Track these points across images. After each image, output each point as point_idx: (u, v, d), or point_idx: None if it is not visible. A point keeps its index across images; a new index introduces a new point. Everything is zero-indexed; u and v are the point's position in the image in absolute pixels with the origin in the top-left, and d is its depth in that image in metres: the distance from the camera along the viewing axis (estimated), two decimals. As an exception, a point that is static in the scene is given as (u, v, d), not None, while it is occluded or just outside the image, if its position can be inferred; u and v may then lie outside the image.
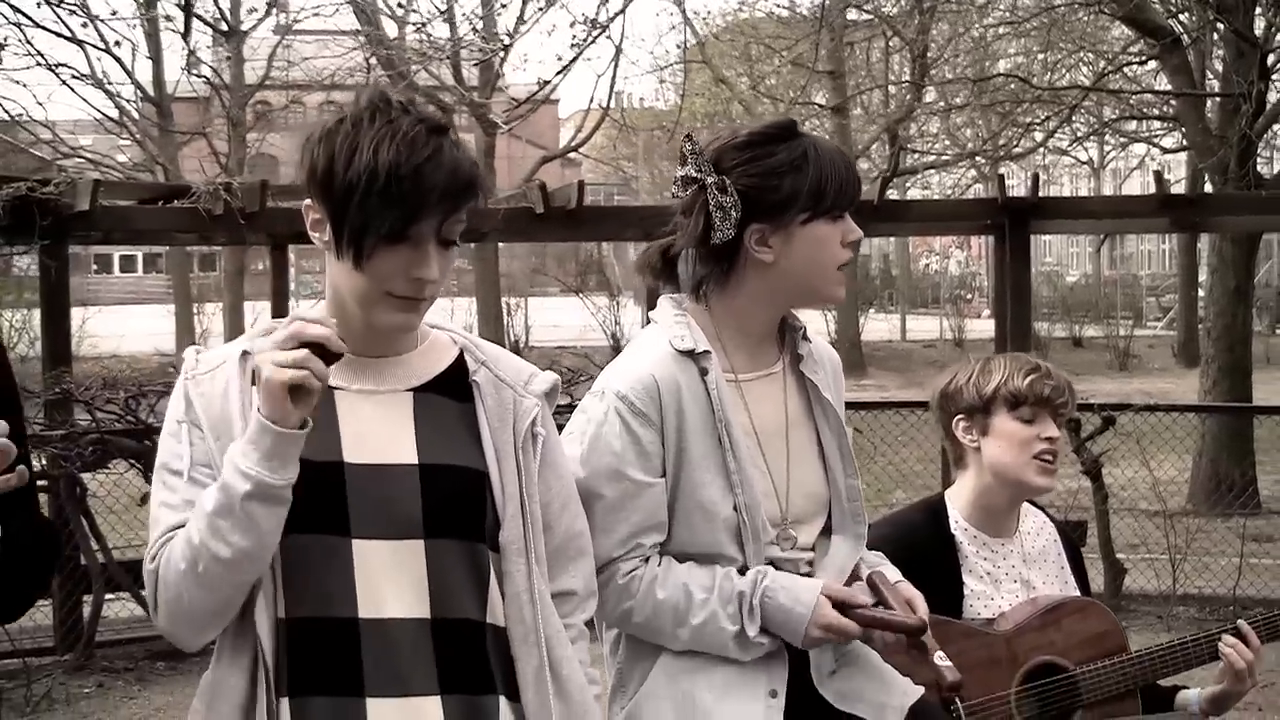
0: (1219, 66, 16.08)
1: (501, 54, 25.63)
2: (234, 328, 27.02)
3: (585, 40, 11.36)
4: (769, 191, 2.99)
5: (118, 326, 30.15)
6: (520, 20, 25.89)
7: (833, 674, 3.09)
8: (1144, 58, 16.96)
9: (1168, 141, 25.62)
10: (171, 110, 26.00)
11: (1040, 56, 21.74)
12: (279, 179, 29.99)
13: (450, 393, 2.65)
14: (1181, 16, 16.10)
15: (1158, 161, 26.51)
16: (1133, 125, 22.13)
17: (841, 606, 2.97)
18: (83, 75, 24.41)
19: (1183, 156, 26.65)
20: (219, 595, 2.44)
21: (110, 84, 25.06)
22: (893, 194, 22.63)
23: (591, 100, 24.75)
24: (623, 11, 13.91)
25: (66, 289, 9.99)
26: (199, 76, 24.59)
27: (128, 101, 25.15)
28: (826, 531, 3.16)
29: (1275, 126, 15.62)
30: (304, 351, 2.35)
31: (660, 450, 2.98)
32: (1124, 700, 3.78)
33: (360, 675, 2.48)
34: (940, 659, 2.97)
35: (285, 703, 2.47)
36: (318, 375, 2.35)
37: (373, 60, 25.48)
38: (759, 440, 3.08)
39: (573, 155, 30.57)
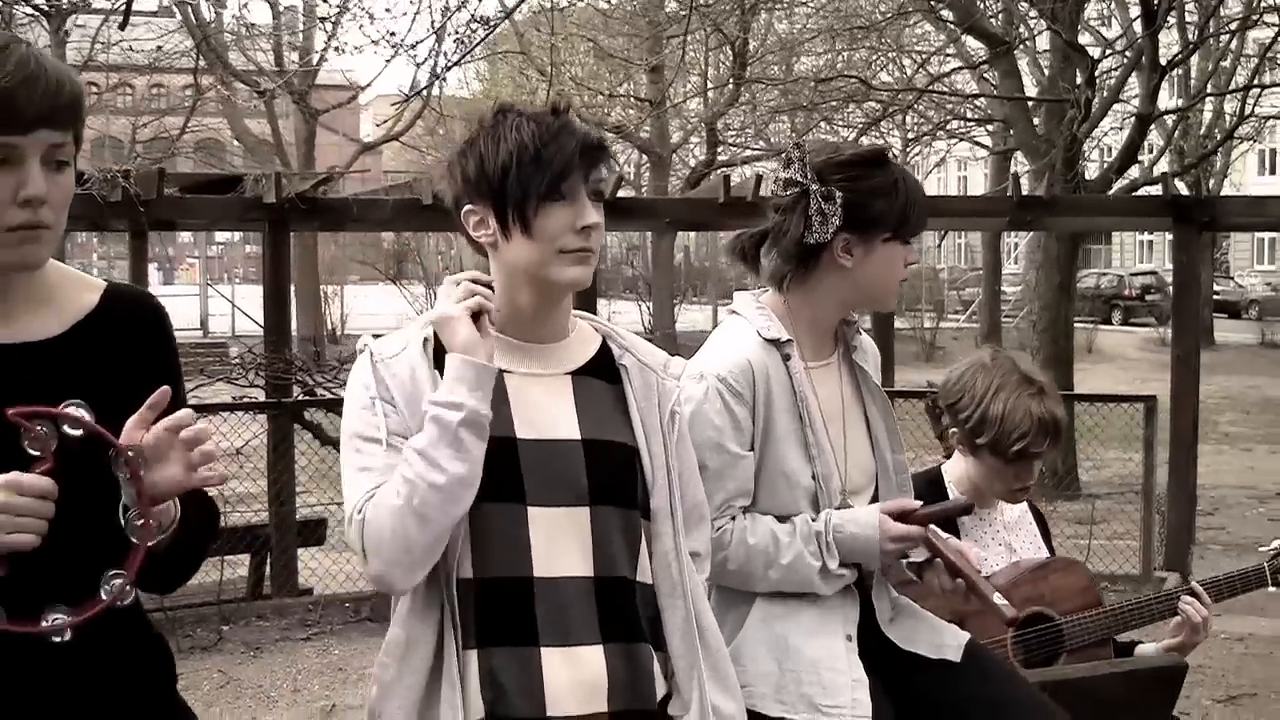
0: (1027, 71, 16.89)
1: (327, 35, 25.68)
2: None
3: (472, 36, 11.59)
4: (862, 208, 3.44)
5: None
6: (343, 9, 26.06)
7: (891, 621, 3.56)
8: (976, 62, 17.71)
9: (986, 142, 26.58)
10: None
11: (849, 55, 22.40)
12: (103, 163, 29.74)
13: (602, 375, 2.98)
14: (1005, 23, 16.86)
15: (963, 162, 27.47)
16: (952, 125, 22.92)
17: (901, 516, 3.43)
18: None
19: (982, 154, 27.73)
20: (434, 528, 2.69)
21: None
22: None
23: (398, 88, 24.84)
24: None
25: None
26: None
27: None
28: (874, 501, 3.59)
29: (1094, 131, 16.42)
30: (468, 284, 2.79)
31: (751, 426, 3.40)
32: (1100, 648, 4.28)
33: (535, 627, 2.78)
34: (998, 598, 3.47)
35: (472, 654, 2.78)
36: (487, 297, 2.78)
37: (188, 43, 25.50)
38: (824, 419, 3.52)
39: (367, 140, 30.64)
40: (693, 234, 38.73)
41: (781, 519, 3.43)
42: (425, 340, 2.87)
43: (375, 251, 39.38)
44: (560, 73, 28.61)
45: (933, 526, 3.59)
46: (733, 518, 3.40)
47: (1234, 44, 21.11)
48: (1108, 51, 16.49)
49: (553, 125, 2.85)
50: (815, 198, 3.44)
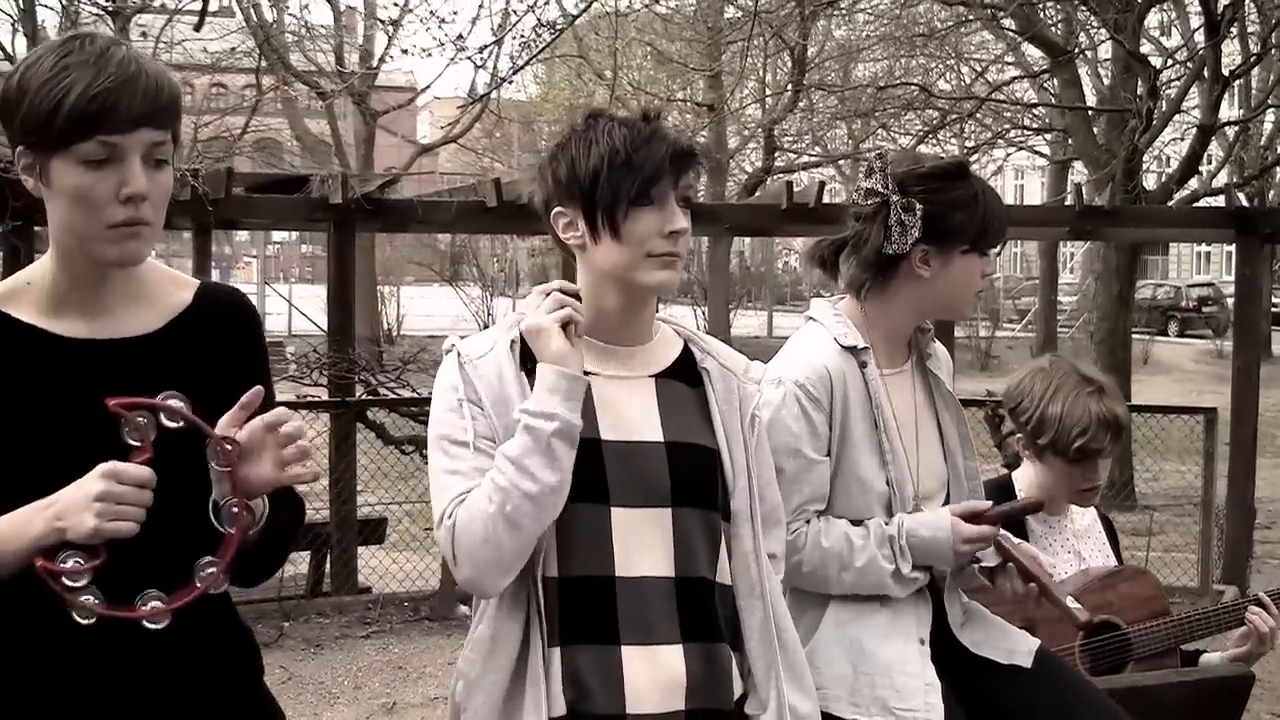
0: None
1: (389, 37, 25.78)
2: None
3: (538, 39, 11.65)
4: (942, 220, 3.51)
5: None
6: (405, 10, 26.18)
7: (963, 625, 3.62)
8: (1037, 71, 17.68)
9: (1044, 151, 26.51)
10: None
11: (907, 63, 22.35)
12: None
13: (684, 378, 3.03)
14: (1064, 32, 16.82)
15: (1020, 171, 27.41)
16: (1011, 134, 22.86)
17: (972, 518, 3.49)
18: (-45, 51, 24.34)
19: (1042, 164, 27.63)
20: (524, 534, 2.76)
21: (-14, 59, 24.97)
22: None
23: (456, 89, 24.98)
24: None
25: (31, 270, 10.12)
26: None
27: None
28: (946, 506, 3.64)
29: (1156, 141, 16.37)
30: (558, 295, 2.82)
31: (828, 432, 3.46)
32: (1166, 657, 4.33)
33: (616, 626, 2.84)
34: (1071, 601, 3.55)
35: (555, 651, 2.84)
36: (576, 309, 2.81)
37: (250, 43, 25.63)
38: (898, 426, 3.57)
39: (426, 142, 30.70)
40: (748, 239, 38.75)
41: (855, 522, 3.48)
42: (513, 342, 2.92)
43: (430, 253, 39.54)
44: (619, 77, 28.73)
45: (1004, 533, 3.63)
46: (807, 521, 3.45)
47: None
48: (1169, 62, 16.42)
49: (644, 131, 2.91)
50: (895, 208, 3.50)
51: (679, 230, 2.91)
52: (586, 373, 2.86)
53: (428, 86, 32.48)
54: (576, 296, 2.87)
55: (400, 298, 32.89)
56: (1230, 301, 41.38)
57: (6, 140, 2.55)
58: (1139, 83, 14.68)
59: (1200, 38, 14.45)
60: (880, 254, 3.53)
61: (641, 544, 2.87)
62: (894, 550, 3.44)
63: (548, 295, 2.85)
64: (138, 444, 2.41)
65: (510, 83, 18.08)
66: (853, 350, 3.52)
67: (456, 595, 10.33)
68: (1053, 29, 16.68)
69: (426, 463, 3.01)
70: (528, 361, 2.88)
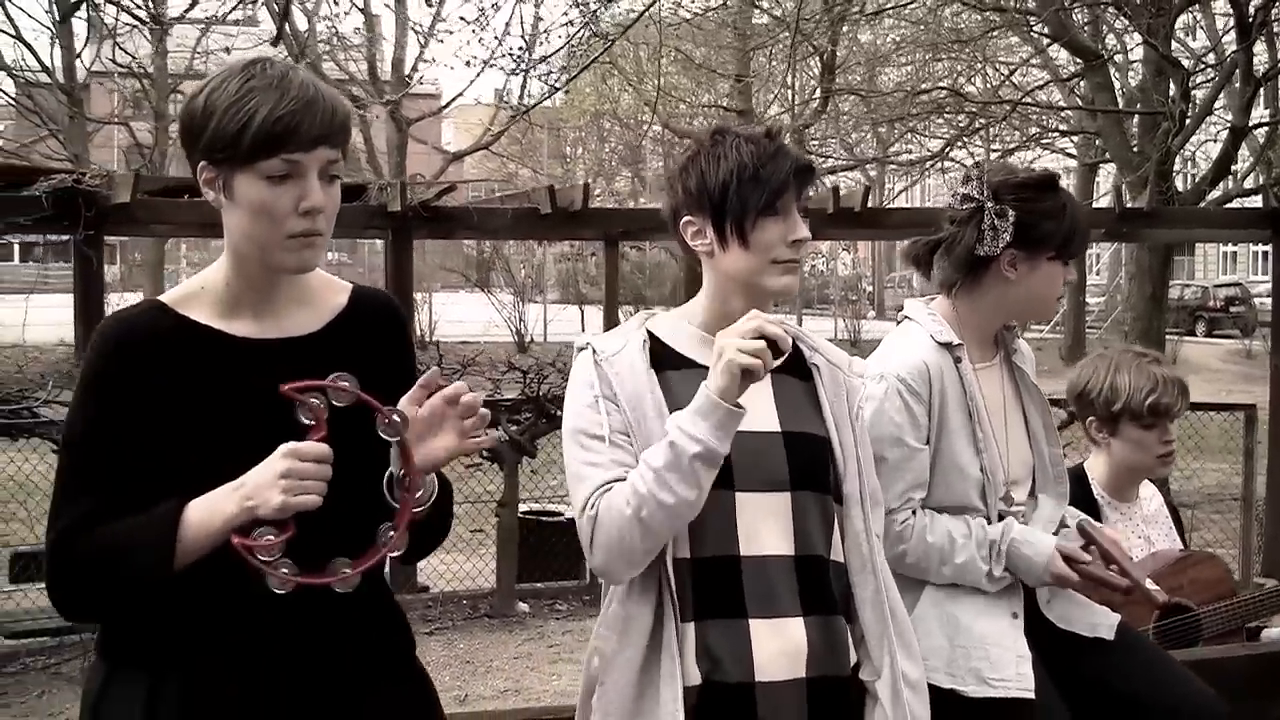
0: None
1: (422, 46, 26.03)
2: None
3: (588, 49, 11.90)
4: (1032, 228, 3.77)
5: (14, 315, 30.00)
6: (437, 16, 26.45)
7: (1049, 603, 3.89)
8: (1069, 75, 17.84)
9: (1072, 154, 26.64)
10: (83, 99, 25.97)
11: (933, 67, 22.48)
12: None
13: (795, 373, 3.26)
14: (1108, 39, 16.97)
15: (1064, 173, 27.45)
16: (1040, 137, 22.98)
17: (1069, 561, 3.73)
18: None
19: (1068, 166, 27.75)
20: (656, 538, 2.99)
21: (20, 70, 25.25)
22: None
23: (477, 99, 25.17)
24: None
25: (102, 278, 10.37)
26: (121, 67, 24.63)
27: (35, 87, 25.26)
28: (1032, 493, 3.91)
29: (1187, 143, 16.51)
30: (763, 343, 2.92)
31: (927, 422, 3.71)
32: (1232, 635, 4.60)
33: (743, 601, 3.07)
34: (1150, 584, 3.83)
35: (689, 626, 3.06)
36: (766, 365, 2.93)
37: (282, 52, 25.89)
38: (989, 416, 3.82)
39: (452, 149, 30.91)
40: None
41: (957, 512, 3.73)
42: (644, 341, 3.16)
43: (460, 259, 39.74)
44: (644, 82, 28.90)
45: (1086, 517, 3.89)
46: (913, 511, 3.70)
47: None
48: (1201, 65, 16.56)
49: (769, 147, 3.15)
50: (989, 214, 3.76)
51: (801, 239, 3.16)
52: (707, 367, 3.04)
53: (461, 93, 32.82)
54: (778, 352, 2.94)
55: (432, 303, 33.05)
56: (1257, 301, 41.63)
57: (187, 156, 2.78)
58: (1171, 85, 14.83)
59: (1230, 39, 14.60)
60: (972, 255, 3.79)
61: (763, 525, 3.09)
62: (991, 553, 3.70)
63: (759, 337, 2.91)
64: (312, 423, 2.62)
65: (566, 92, 18.39)
66: (948, 346, 3.77)
67: (515, 594, 10.59)
68: (1082, 32, 16.83)
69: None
70: (657, 360, 3.13)
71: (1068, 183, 32.91)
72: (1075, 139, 23.59)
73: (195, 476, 2.64)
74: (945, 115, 19.64)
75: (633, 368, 3.12)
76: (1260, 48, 16.36)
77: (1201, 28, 20.79)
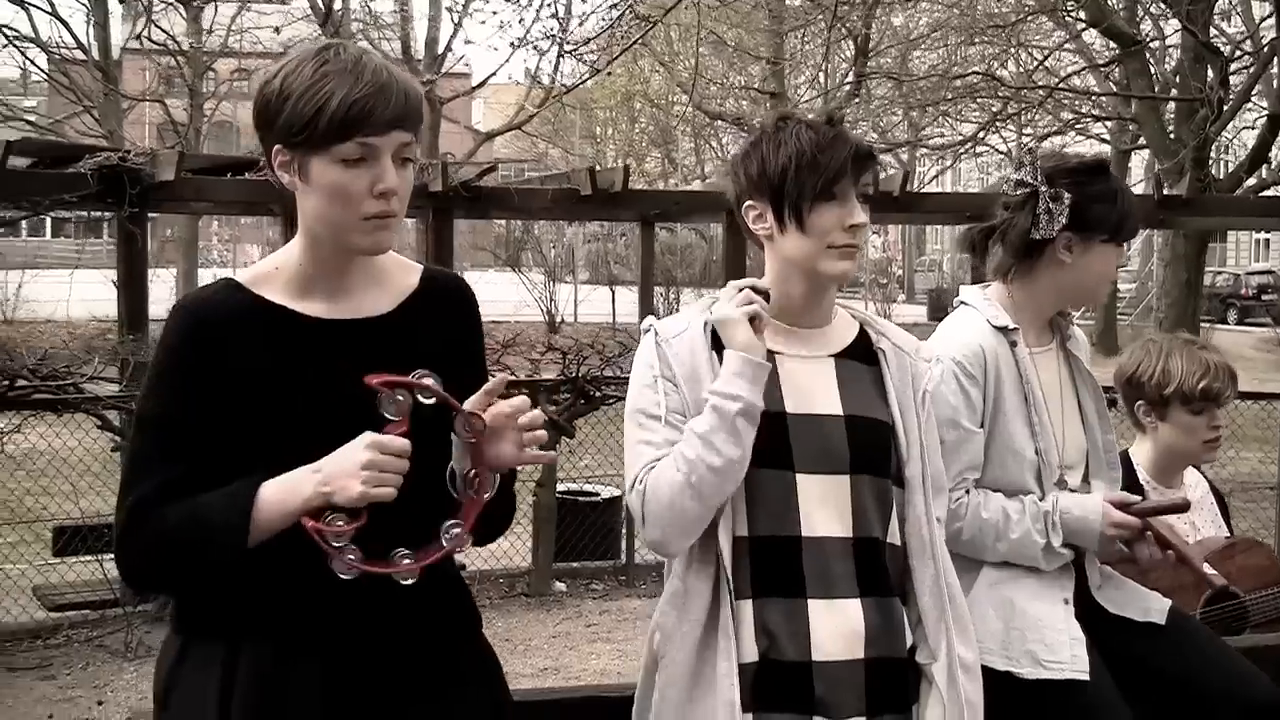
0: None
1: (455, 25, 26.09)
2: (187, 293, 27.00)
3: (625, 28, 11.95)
4: (1086, 211, 3.81)
5: (48, 291, 30.23)
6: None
7: (1100, 588, 3.93)
8: (1105, 61, 17.83)
9: (1105, 139, 26.56)
10: (118, 76, 26.07)
11: (965, 51, 22.44)
12: (235, 148, 30.33)
13: (860, 358, 3.31)
14: (1143, 24, 16.95)
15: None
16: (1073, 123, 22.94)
17: (1121, 507, 3.79)
18: (25, 37, 24.76)
19: (1099, 152, 27.62)
20: (707, 503, 3.05)
21: (55, 47, 25.38)
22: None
23: (510, 77, 25.26)
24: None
25: (145, 255, 10.42)
26: (156, 45, 24.71)
27: (71, 64, 25.39)
28: (1085, 478, 3.95)
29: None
30: (747, 291, 3.12)
31: (983, 405, 3.77)
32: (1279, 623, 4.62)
33: (802, 581, 3.12)
34: (1207, 568, 3.89)
35: (746, 604, 3.12)
36: (763, 306, 3.10)
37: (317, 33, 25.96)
38: (1044, 400, 3.87)
39: (480, 128, 30.92)
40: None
41: (1010, 495, 3.78)
42: (706, 323, 3.21)
43: (489, 238, 39.80)
44: (675, 63, 28.91)
45: (1138, 497, 3.94)
46: (967, 491, 3.75)
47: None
48: (1236, 52, 16.54)
49: (828, 134, 3.20)
50: (1044, 198, 3.80)
51: (858, 224, 3.22)
52: (774, 352, 3.16)
53: (494, 73, 32.83)
54: (765, 295, 3.16)
55: (465, 283, 32.95)
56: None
57: (260, 139, 2.81)
58: (1209, 71, 14.82)
59: (1268, 25, 14.58)
60: (1027, 239, 3.83)
61: (822, 507, 3.14)
62: (1047, 525, 3.74)
63: (740, 290, 3.15)
64: (396, 418, 2.66)
65: (610, 74, 18.38)
66: (1004, 330, 3.83)
67: (552, 573, 10.66)
68: (1119, 17, 16.82)
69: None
70: (719, 342, 3.17)
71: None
72: (1109, 125, 23.55)
73: (266, 454, 2.69)
74: (979, 100, 19.61)
75: (693, 349, 3.18)
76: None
77: (1237, 13, 20.76)
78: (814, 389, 3.21)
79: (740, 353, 3.06)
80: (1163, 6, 16.91)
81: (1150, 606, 3.96)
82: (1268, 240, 52.45)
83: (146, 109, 28.75)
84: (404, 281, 2.93)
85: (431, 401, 2.70)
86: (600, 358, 11.03)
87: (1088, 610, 3.85)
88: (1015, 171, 3.93)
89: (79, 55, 25.45)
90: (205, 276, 29.56)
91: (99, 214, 12.26)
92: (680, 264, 35.99)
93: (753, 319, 3.09)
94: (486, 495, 2.76)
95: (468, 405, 2.74)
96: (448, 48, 27.95)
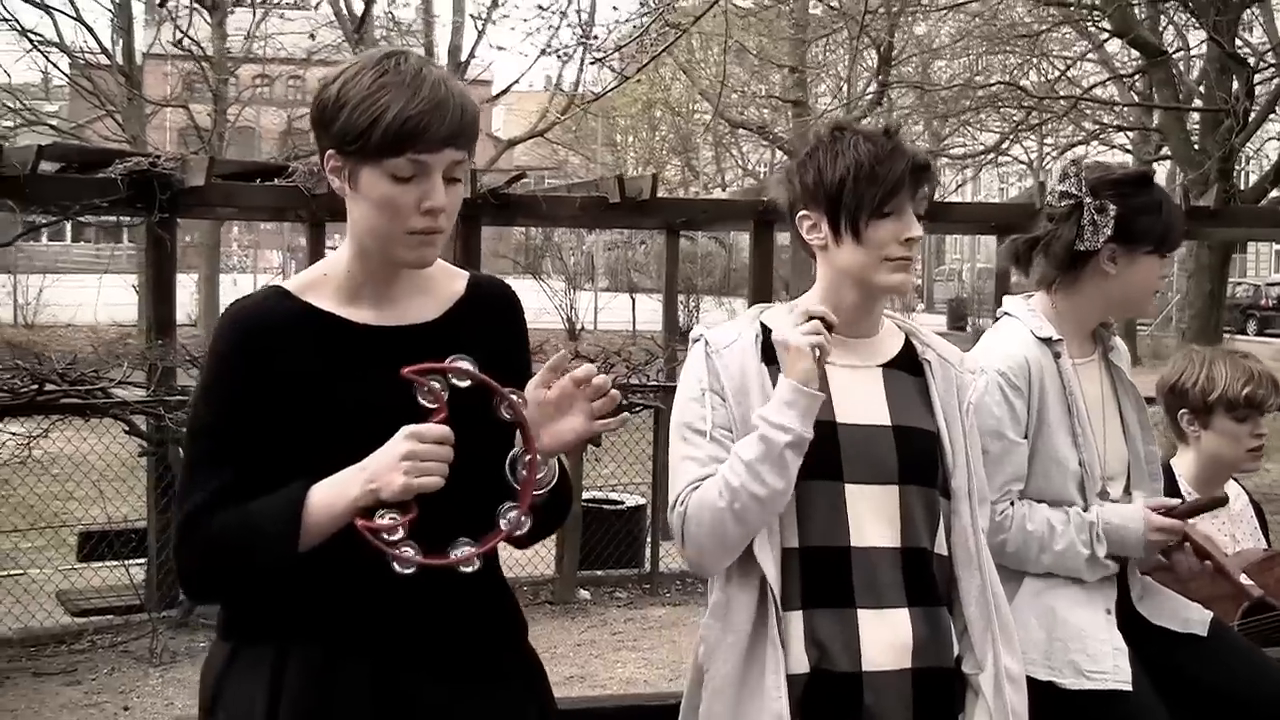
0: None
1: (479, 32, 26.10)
2: (210, 299, 27.16)
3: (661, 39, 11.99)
4: (1131, 222, 3.81)
5: (68, 296, 30.36)
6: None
7: (1140, 599, 3.93)
8: (1131, 71, 17.81)
9: (1128, 150, 26.49)
10: (141, 81, 26.11)
11: (987, 60, 22.43)
12: (257, 154, 30.38)
13: (906, 368, 3.31)
14: (1167, 33, 16.91)
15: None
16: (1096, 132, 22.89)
17: (1161, 512, 3.80)
18: (49, 41, 24.83)
19: (1128, 162, 27.53)
20: (749, 528, 3.06)
21: (80, 52, 25.44)
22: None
23: (530, 84, 25.22)
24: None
25: (174, 261, 10.43)
26: (183, 51, 24.76)
27: (94, 69, 25.44)
28: (1126, 489, 3.95)
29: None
30: (816, 322, 3.06)
31: (1027, 416, 3.77)
32: None
33: (851, 591, 3.12)
34: (1244, 578, 3.91)
35: (796, 615, 3.10)
36: (827, 339, 3.05)
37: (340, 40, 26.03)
38: (1087, 412, 3.87)
39: (500, 136, 30.90)
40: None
41: (1055, 505, 3.78)
42: (756, 335, 3.22)
43: (508, 245, 39.82)
44: (697, 70, 28.88)
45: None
46: (1011, 503, 3.75)
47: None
48: (1263, 63, 16.50)
49: (886, 146, 3.19)
50: (1089, 210, 3.81)
51: (915, 237, 3.22)
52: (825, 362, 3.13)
53: (518, 80, 32.85)
54: (830, 327, 3.10)
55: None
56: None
57: (315, 140, 2.81)
58: (1234, 82, 14.79)
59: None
60: (1072, 251, 3.83)
61: (871, 517, 3.14)
62: (1091, 536, 3.75)
63: (808, 319, 3.08)
64: (434, 405, 2.66)
65: (639, 81, 18.38)
66: (1048, 341, 3.83)
67: (576, 581, 10.65)
68: (1143, 27, 16.78)
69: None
70: (769, 354, 3.18)
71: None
72: (1131, 135, 23.51)
73: (318, 461, 2.69)
74: (1000, 109, 19.59)
75: (743, 361, 3.18)
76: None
77: (1259, 23, 20.71)
78: (862, 399, 3.20)
79: (795, 382, 3.03)
80: (1185, 16, 16.87)
81: (1191, 618, 3.95)
82: (1289, 250, 52.40)
83: (168, 114, 28.81)
84: (451, 288, 2.93)
85: (466, 384, 2.69)
86: (627, 365, 11.02)
87: (1129, 621, 3.85)
88: (1059, 183, 3.92)
89: (102, 60, 25.48)
90: (225, 282, 29.73)
91: (124, 220, 12.21)
92: (701, 272, 35.97)
93: (816, 350, 3.05)
94: (541, 475, 2.76)
95: (530, 384, 2.76)
96: (471, 54, 27.92)
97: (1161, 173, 27.67)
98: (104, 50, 25.45)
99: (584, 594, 10.80)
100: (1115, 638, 3.75)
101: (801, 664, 3.08)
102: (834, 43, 26.80)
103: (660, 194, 11.45)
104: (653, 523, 11.57)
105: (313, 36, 26.40)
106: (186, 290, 26.37)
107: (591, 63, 14.57)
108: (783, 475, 3.01)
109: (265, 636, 2.78)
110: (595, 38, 18.38)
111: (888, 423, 3.21)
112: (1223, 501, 4.06)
